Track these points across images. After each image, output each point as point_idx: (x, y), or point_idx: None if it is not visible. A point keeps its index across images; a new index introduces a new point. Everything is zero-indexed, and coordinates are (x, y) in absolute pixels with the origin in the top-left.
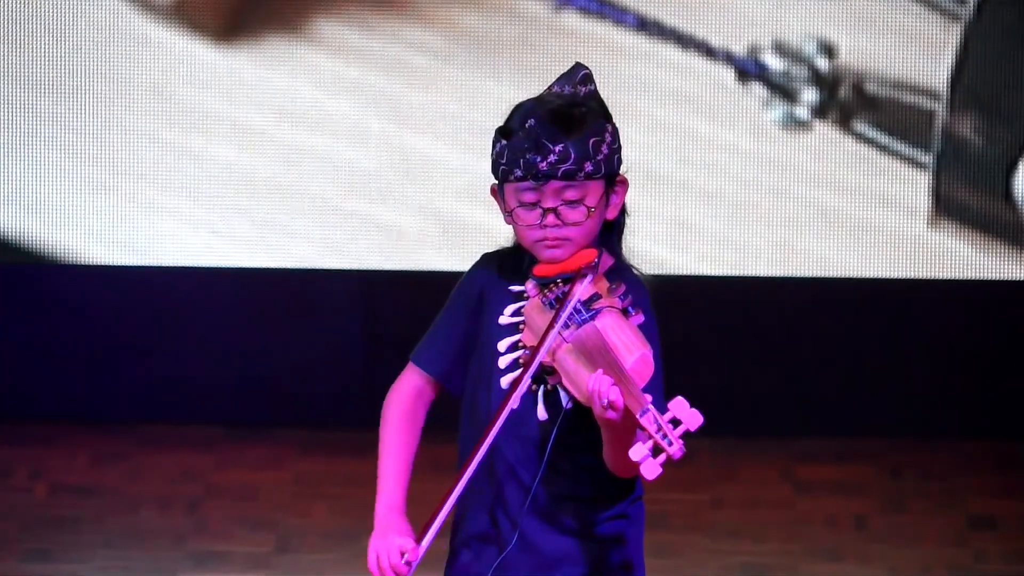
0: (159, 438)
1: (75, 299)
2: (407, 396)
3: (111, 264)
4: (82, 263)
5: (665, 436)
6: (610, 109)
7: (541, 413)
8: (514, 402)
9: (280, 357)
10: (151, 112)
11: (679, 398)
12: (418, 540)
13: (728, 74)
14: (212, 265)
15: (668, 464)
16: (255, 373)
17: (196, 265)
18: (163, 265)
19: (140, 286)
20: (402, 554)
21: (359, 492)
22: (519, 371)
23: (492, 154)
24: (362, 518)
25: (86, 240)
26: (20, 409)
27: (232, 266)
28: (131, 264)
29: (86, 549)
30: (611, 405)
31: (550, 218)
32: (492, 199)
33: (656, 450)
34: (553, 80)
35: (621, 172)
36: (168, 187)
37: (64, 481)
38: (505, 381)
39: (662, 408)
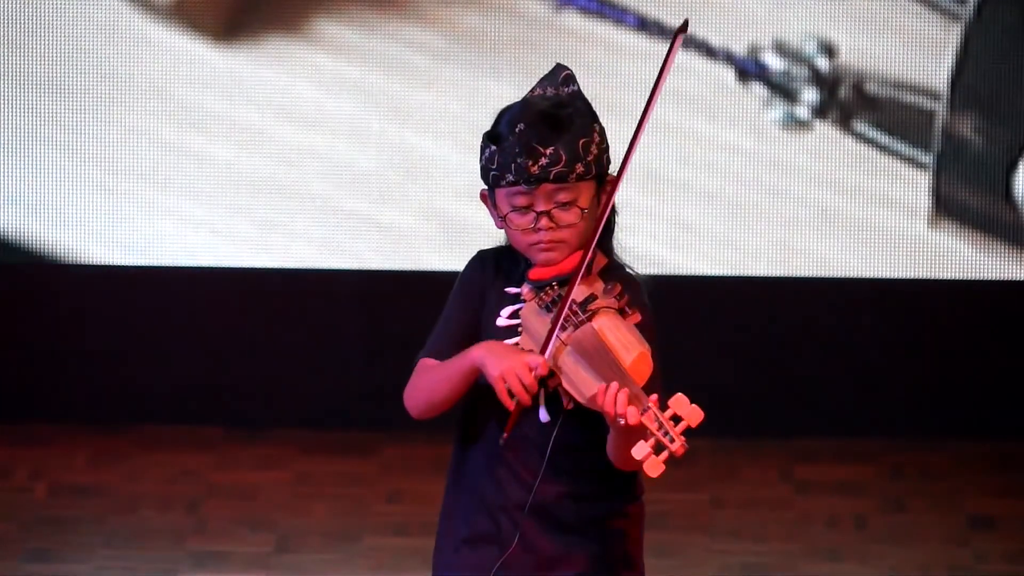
0: (159, 438)
1: (75, 299)
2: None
3: (111, 264)
4: (82, 263)
5: (667, 433)
6: (611, 109)
7: (543, 415)
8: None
9: (280, 357)
10: (151, 112)
11: (679, 395)
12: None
13: (728, 74)
14: (212, 265)
15: (671, 461)
16: (255, 373)
17: (196, 265)
18: (163, 265)
19: (140, 286)
20: (530, 369)
21: (359, 492)
22: None
23: (481, 160)
24: (362, 518)
25: (86, 240)
26: (20, 409)
27: (232, 266)
28: (131, 264)
29: (86, 549)
30: (620, 417)
31: (543, 221)
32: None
33: (659, 448)
34: (535, 83)
35: (611, 172)
36: (168, 187)
37: (64, 481)
38: None
39: (662, 405)
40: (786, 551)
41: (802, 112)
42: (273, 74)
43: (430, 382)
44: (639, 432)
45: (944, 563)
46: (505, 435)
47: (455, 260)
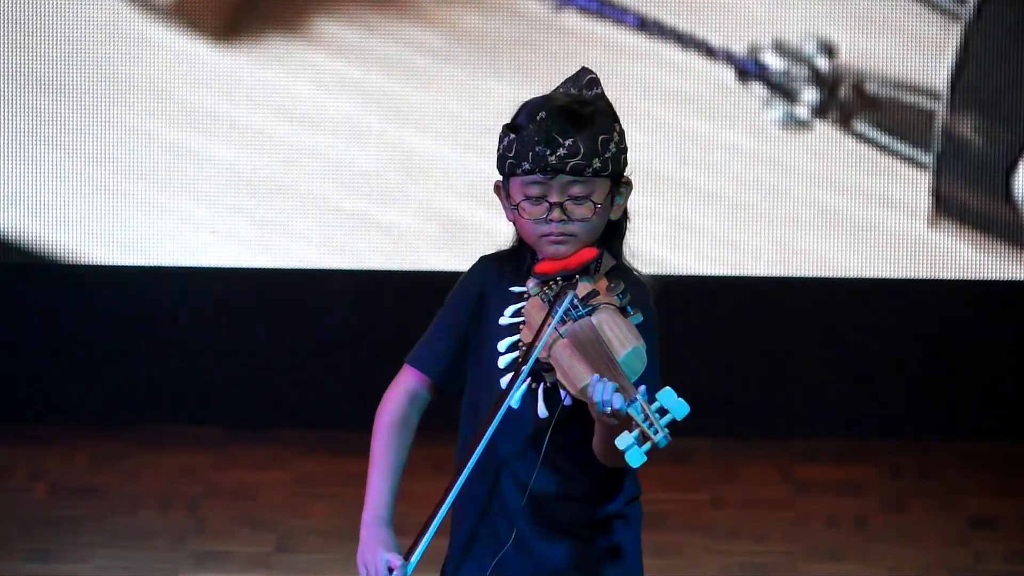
0: (159, 438)
1: (75, 299)
2: (401, 401)
3: (111, 264)
4: (82, 263)
5: (651, 425)
6: None
7: (541, 410)
8: (512, 400)
9: (280, 357)
10: (151, 112)
11: (667, 388)
12: (407, 555)
13: (728, 74)
14: (212, 265)
15: (655, 453)
16: (255, 373)
17: (196, 265)
18: (163, 265)
19: (140, 286)
20: (391, 570)
21: (359, 492)
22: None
23: (499, 149)
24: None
25: (86, 240)
26: (20, 409)
27: (232, 266)
28: (131, 264)
29: (86, 549)
30: (614, 414)
31: (556, 213)
32: (494, 198)
33: (642, 438)
34: (559, 83)
35: (626, 174)
36: (168, 187)
37: (64, 481)
38: (505, 381)
39: (650, 394)
40: (786, 551)
41: (802, 112)
42: (273, 74)
43: (371, 446)
44: (625, 426)
45: (944, 563)
46: None
47: (455, 260)
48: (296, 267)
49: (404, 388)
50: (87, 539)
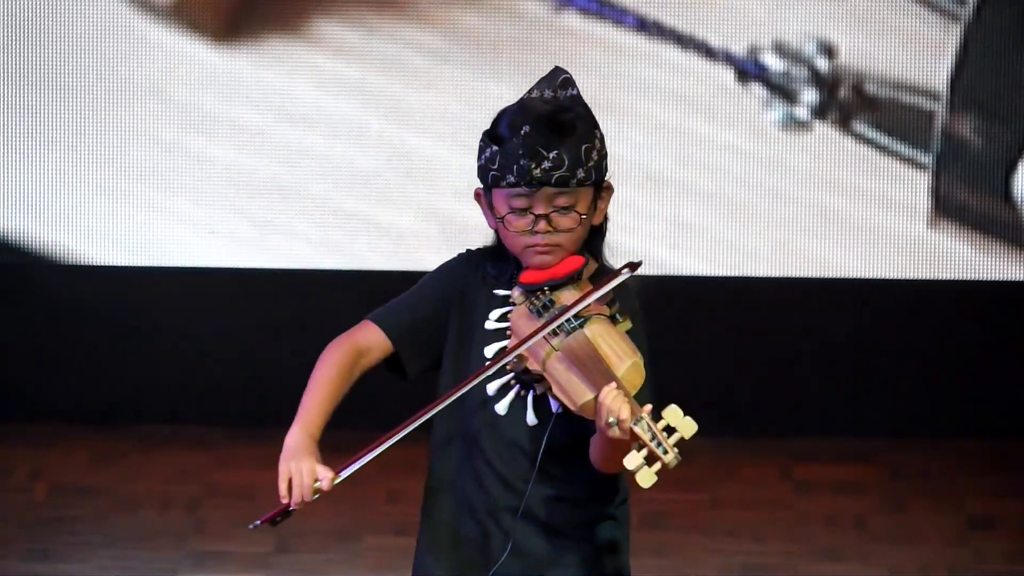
0: (159, 438)
1: (75, 299)
2: (352, 349)
3: (111, 264)
4: (82, 263)
5: (660, 445)
6: (611, 109)
7: (530, 418)
8: (499, 407)
9: (280, 357)
10: (151, 112)
11: (673, 406)
12: (336, 473)
13: (728, 74)
14: (212, 265)
15: (663, 472)
16: (255, 373)
17: (196, 265)
18: (163, 265)
19: (140, 286)
20: (316, 480)
21: (359, 492)
22: (508, 376)
23: (480, 159)
24: (362, 518)
25: (86, 240)
26: (20, 409)
27: (232, 266)
28: (131, 264)
29: (86, 549)
30: (619, 424)
31: (542, 224)
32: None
33: (651, 458)
34: (532, 85)
35: (607, 179)
36: (168, 187)
37: (64, 481)
38: (492, 388)
39: (655, 412)
40: (785, 551)
41: (802, 113)
42: (273, 74)
43: (312, 376)
44: (624, 440)
45: (944, 563)
46: (259, 522)
47: None
48: (296, 267)
49: (357, 341)
50: (87, 539)
